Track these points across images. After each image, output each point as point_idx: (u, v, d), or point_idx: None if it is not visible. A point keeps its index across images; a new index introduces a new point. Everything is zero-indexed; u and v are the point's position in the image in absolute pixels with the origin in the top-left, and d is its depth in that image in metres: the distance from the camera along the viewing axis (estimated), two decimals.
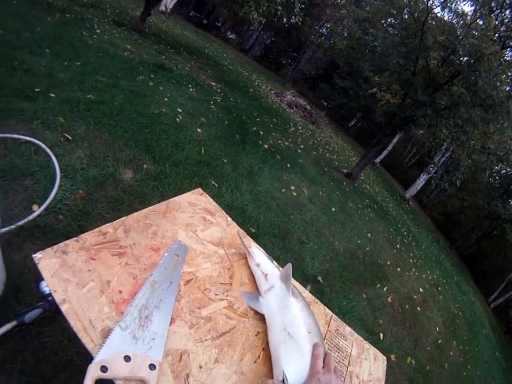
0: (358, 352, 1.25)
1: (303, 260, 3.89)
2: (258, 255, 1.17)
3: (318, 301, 1.29)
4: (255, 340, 0.95)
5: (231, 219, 1.33)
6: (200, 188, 1.37)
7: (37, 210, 2.10)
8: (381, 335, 4.02)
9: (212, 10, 27.07)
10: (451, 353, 5.59)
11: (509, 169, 19.13)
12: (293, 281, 1.20)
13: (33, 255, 0.76)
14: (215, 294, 0.98)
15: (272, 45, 29.28)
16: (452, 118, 7.62)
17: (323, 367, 0.84)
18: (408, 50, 7.80)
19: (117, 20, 8.35)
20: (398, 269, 6.28)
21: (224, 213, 1.33)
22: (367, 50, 10.48)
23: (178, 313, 0.85)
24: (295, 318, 0.95)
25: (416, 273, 7.08)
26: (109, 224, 0.93)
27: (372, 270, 5.24)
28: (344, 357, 1.17)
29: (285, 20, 21.60)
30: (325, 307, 1.29)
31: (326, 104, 26.11)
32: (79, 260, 0.81)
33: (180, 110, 4.88)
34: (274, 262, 1.23)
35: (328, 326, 1.23)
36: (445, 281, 9.34)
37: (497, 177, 22.28)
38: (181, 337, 0.82)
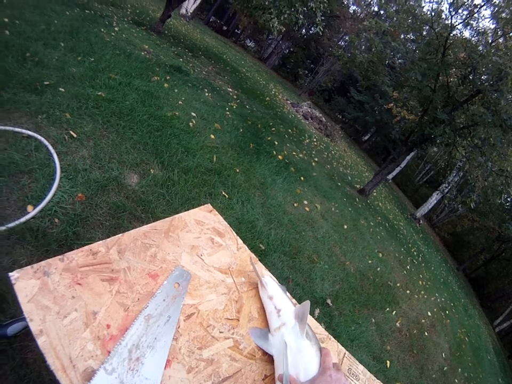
0: None
1: (313, 280, 3.71)
2: (272, 286, 1.04)
3: (332, 337, 1.16)
4: None
5: (242, 242, 1.18)
6: (209, 204, 1.23)
7: (31, 212, 1.97)
8: (388, 362, 3.84)
9: (232, 17, 27.38)
10: (456, 380, 5.42)
11: None
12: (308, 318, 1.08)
13: (10, 274, 0.66)
14: (220, 332, 0.86)
15: (290, 55, 29.43)
16: (470, 137, 7.45)
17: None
18: (429, 66, 7.68)
19: (136, 19, 8.33)
20: (408, 291, 6.09)
21: (235, 234, 1.19)
22: (386, 65, 10.33)
23: (175, 355, 0.73)
24: (307, 364, 0.82)
25: (425, 296, 6.90)
26: (101, 242, 0.81)
27: (382, 292, 5.05)
28: None
29: (304, 30, 21.68)
30: (338, 344, 1.16)
31: (341, 117, 26.12)
32: (62, 284, 0.70)
33: (193, 114, 4.77)
34: (288, 293, 1.10)
35: (341, 365, 1.10)
36: (452, 304, 9.15)
37: (509, 199, 22.03)
38: (176, 383, 0.70)
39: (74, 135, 2.77)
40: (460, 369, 5.87)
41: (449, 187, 11.81)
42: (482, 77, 7.25)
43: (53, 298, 0.67)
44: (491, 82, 6.70)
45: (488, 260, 22.28)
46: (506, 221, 18.18)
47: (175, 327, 0.76)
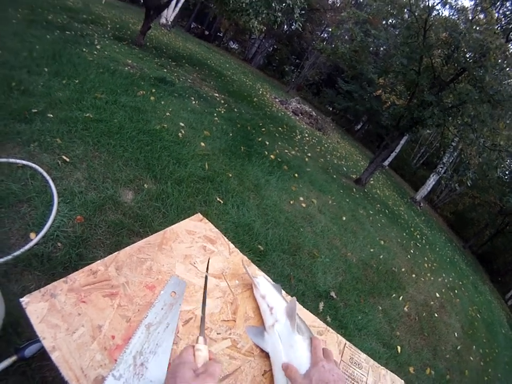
0: (374, 380, 1.16)
1: (314, 275, 3.75)
2: (264, 286, 1.09)
3: (331, 329, 1.20)
4: (262, 380, 0.88)
5: (233, 246, 1.24)
6: (199, 213, 1.28)
7: (34, 239, 2.02)
8: (399, 348, 3.87)
9: (213, 21, 27.35)
10: (471, 358, 5.45)
11: None
12: (304, 312, 1.18)
13: (21, 299, 0.72)
14: (217, 333, 0.90)
15: (274, 52, 29.43)
16: (459, 116, 7.50)
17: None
18: (411, 50, 7.71)
19: (117, 35, 8.37)
20: (413, 275, 6.13)
21: (226, 239, 1.25)
22: (370, 53, 10.37)
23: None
24: (299, 358, 0.86)
25: (432, 278, 6.92)
26: (99, 261, 0.88)
27: (387, 279, 5.09)
28: None
29: (285, 27, 21.69)
30: (338, 335, 1.20)
31: (331, 109, 26.11)
32: (68, 303, 0.76)
33: (182, 124, 4.81)
34: (283, 292, 1.15)
35: (342, 356, 1.15)
36: (460, 283, 9.18)
37: (507, 173, 22.11)
38: None
39: (67, 159, 2.82)
40: (474, 347, 5.91)
41: (445, 167, 11.82)
42: (466, 55, 7.26)
43: (61, 317, 0.73)
44: (475, 59, 6.74)
45: (493, 234, 22.30)
46: (506, 194, 18.26)
47: (174, 333, 0.81)
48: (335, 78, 22.36)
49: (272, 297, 1.05)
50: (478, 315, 8.09)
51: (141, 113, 4.37)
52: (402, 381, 1.28)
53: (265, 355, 0.92)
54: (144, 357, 0.73)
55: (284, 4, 7.59)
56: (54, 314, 0.73)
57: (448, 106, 7.50)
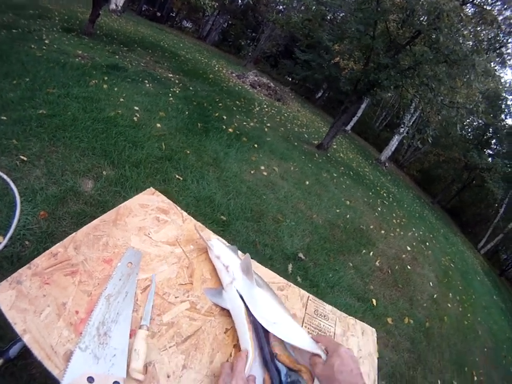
0: (342, 330, 1.20)
1: (281, 239, 3.77)
2: (218, 247, 1.12)
3: (292, 284, 1.24)
4: (224, 337, 0.91)
5: (186, 214, 1.27)
6: (151, 187, 1.30)
7: (2, 242, 1.99)
8: (374, 300, 3.96)
9: (165, 1, 26.54)
10: (449, 305, 5.65)
11: (480, 121, 19.57)
12: (262, 269, 1.22)
13: None
14: (175, 297, 0.93)
15: (229, 28, 29.01)
16: (416, 77, 7.55)
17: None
18: (365, 16, 7.67)
19: (66, 26, 8.01)
20: (382, 232, 6.25)
21: (179, 208, 1.27)
22: (325, 20, 10.27)
23: (137, 324, 0.81)
24: (265, 308, 0.92)
25: (402, 233, 7.08)
26: (59, 243, 0.90)
27: (355, 237, 5.17)
28: None
29: (239, 1, 21.31)
30: (300, 289, 1.24)
31: (290, 79, 26.04)
32: (33, 287, 0.79)
33: (136, 108, 4.72)
34: (239, 252, 1.18)
35: (306, 309, 1.18)
36: (431, 235, 9.43)
37: (469, 130, 22.81)
38: None
39: (25, 159, 2.75)
40: (450, 294, 6.12)
41: (406, 127, 12.04)
42: (421, 18, 7.34)
43: (28, 301, 0.76)
44: (429, 22, 6.77)
45: (460, 189, 23.05)
46: (470, 149, 18.87)
47: (133, 301, 0.85)
48: (292, 49, 22.21)
49: (227, 257, 1.07)
50: (452, 264, 8.39)
51: (94, 102, 4.26)
52: (373, 329, 1.30)
53: (226, 313, 0.94)
54: (107, 326, 0.77)
55: None
56: (22, 300, 0.75)
57: (404, 68, 7.56)
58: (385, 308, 4.05)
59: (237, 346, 0.89)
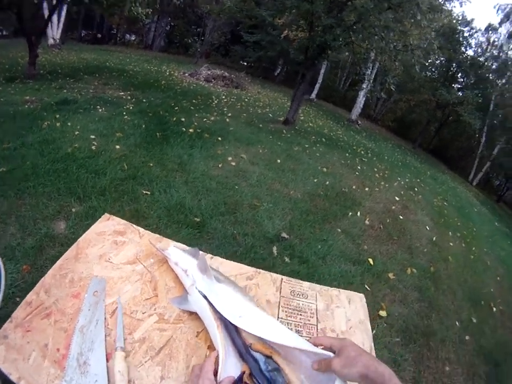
0: (325, 304, 1.19)
1: (260, 224, 3.72)
2: (175, 254, 1.14)
3: (261, 270, 1.24)
4: (197, 341, 0.93)
5: (143, 230, 1.30)
6: (106, 214, 1.33)
7: None
8: (371, 260, 3.93)
9: (102, 21, 26.02)
10: (451, 244, 5.64)
11: (441, 58, 19.69)
12: (227, 263, 1.23)
13: None
14: (143, 313, 0.96)
15: (173, 30, 28.59)
16: (364, 30, 7.52)
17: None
18: None
19: (8, 76, 7.87)
20: (366, 189, 6.22)
21: (135, 226, 1.30)
22: None
23: (112, 347, 0.85)
24: (230, 301, 0.93)
25: (387, 185, 7.08)
26: (31, 291, 0.95)
27: (339, 201, 5.14)
28: (310, 316, 1.12)
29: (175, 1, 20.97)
30: (272, 274, 1.24)
31: (245, 64, 25.85)
32: (17, 338, 0.85)
33: (93, 137, 4.65)
34: (201, 253, 1.18)
35: (280, 292, 1.18)
36: (419, 180, 9.46)
37: (433, 69, 22.90)
38: None
39: None
40: (450, 233, 6.13)
41: (368, 81, 11.98)
42: None
43: (16, 351, 0.82)
44: None
45: (438, 128, 23.23)
46: (438, 88, 18.95)
47: (104, 326, 0.88)
48: (240, 34, 22.04)
49: (185, 261, 1.08)
50: (445, 203, 8.41)
51: (50, 144, 4.19)
52: (361, 295, 1.29)
53: (195, 317, 0.96)
54: (85, 355, 0.81)
55: None
56: (11, 352, 0.81)
57: (350, 24, 7.50)
58: (384, 264, 4.01)
59: (211, 347, 0.90)
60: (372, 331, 2.89)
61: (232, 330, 0.87)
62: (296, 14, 8.87)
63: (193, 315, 0.96)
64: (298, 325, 1.07)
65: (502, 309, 4.60)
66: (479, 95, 19.41)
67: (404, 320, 3.25)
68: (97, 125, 5.16)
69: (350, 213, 4.87)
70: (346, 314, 1.16)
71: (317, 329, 1.07)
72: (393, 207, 5.89)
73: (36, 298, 0.94)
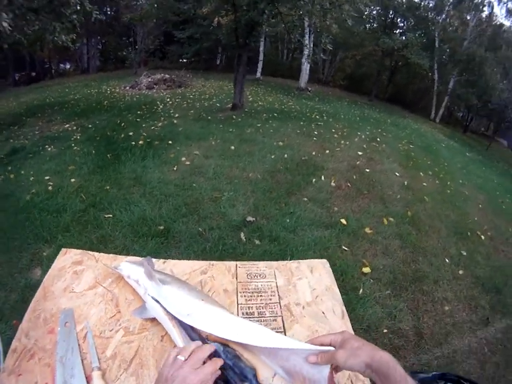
0: (285, 279, 1.18)
1: (224, 214, 3.74)
2: (126, 268, 1.16)
3: (214, 262, 1.25)
4: (163, 344, 0.95)
5: (98, 254, 1.30)
6: (63, 249, 1.33)
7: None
8: (343, 220, 3.96)
9: (33, 59, 25.25)
10: (424, 184, 5.71)
11: (377, 7, 19.81)
12: (180, 264, 1.24)
13: None
14: (110, 331, 0.99)
15: (104, 47, 28.03)
16: None
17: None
18: None
19: None
20: (327, 151, 6.26)
21: (90, 252, 1.31)
22: None
23: (89, 369, 0.88)
24: (178, 300, 0.96)
25: (347, 143, 7.11)
26: (14, 339, 0.98)
27: (300, 171, 5.16)
28: (271, 295, 1.11)
29: (94, 18, 20.45)
30: (225, 262, 1.25)
31: (185, 60, 25.60)
32: None
33: (47, 177, 4.59)
34: (152, 260, 1.21)
35: (237, 278, 1.18)
36: (379, 130, 9.53)
37: (371, 20, 23.01)
38: None
39: None
40: (421, 173, 6.21)
41: (307, 47, 11.95)
42: None
43: None
44: None
45: (390, 76, 23.34)
46: (380, 37, 19.03)
47: (79, 352, 0.91)
48: (172, 33, 21.79)
49: (135, 272, 1.11)
50: (411, 146, 8.50)
51: (8, 197, 4.16)
52: (324, 260, 1.28)
53: (157, 322, 0.98)
54: (69, 383, 0.84)
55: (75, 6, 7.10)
56: None
57: None
58: (358, 221, 4.05)
59: (176, 347, 0.89)
60: (359, 290, 2.92)
61: (187, 327, 0.90)
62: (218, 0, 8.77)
63: (155, 321, 0.98)
64: (260, 306, 1.06)
65: (491, 234, 4.68)
66: (422, 35, 19.63)
67: (391, 271, 3.28)
68: (50, 165, 5.10)
69: (314, 180, 4.89)
70: (310, 284, 1.16)
71: (280, 306, 1.07)
72: (358, 162, 5.93)
73: (19, 344, 0.96)
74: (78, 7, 7.05)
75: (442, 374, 1.12)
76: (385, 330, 2.61)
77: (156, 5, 9.30)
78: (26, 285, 2.72)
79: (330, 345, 0.78)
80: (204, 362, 0.74)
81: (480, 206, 5.74)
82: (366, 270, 3.19)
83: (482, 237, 4.49)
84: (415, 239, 3.92)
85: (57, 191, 4.19)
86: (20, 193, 4.24)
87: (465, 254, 3.94)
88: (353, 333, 0.93)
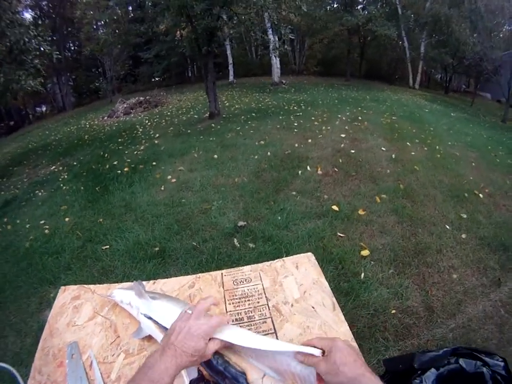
0: (271, 280, 1.19)
1: (215, 224, 3.76)
2: (118, 294, 1.19)
3: (201, 274, 1.27)
4: None
5: (94, 286, 1.34)
6: (62, 286, 1.37)
7: None
8: (335, 207, 3.94)
9: (8, 108, 25.28)
10: (412, 153, 5.71)
11: None
12: (170, 282, 1.25)
13: None
14: (112, 355, 1.01)
15: (76, 82, 28.16)
16: None
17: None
18: None
19: None
20: (309, 140, 6.27)
21: (86, 286, 1.34)
22: (128, 14, 10.00)
23: None
24: (166, 314, 0.98)
25: (329, 128, 7.13)
26: (29, 378, 1.00)
27: (285, 165, 5.18)
28: (259, 298, 1.11)
29: (54, 59, 20.48)
30: (211, 273, 1.27)
31: (157, 79, 25.72)
32: None
33: (42, 222, 4.66)
34: (142, 284, 1.18)
35: (223, 286, 1.19)
36: (359, 108, 9.55)
37: (330, 2, 23.12)
38: None
39: None
40: (408, 143, 6.22)
41: (274, 43, 11.96)
42: None
43: None
44: None
45: (361, 53, 23.45)
46: (342, 16, 19.03)
47: (87, 380, 0.95)
48: (138, 55, 21.91)
49: (127, 296, 1.13)
50: (394, 117, 8.52)
51: (8, 248, 4.22)
52: (309, 253, 1.27)
53: (154, 340, 1.00)
54: None
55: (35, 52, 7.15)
56: None
57: None
58: (350, 205, 4.04)
59: None
60: (361, 275, 2.89)
61: None
62: (172, 13, 8.77)
63: (152, 339, 1.01)
64: (248, 311, 1.07)
65: (489, 191, 4.66)
66: (384, 5, 19.62)
67: (391, 249, 3.24)
68: (43, 209, 5.17)
69: (300, 172, 4.91)
70: (297, 281, 1.16)
71: (269, 307, 1.07)
72: (342, 145, 5.94)
73: (34, 381, 1.00)
74: (37, 52, 7.11)
75: (454, 349, 1.06)
76: (393, 311, 2.54)
77: (111, 32, 9.30)
78: (39, 328, 2.69)
79: (321, 349, 0.77)
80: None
81: (473, 164, 5.73)
82: (365, 252, 3.15)
83: (481, 195, 4.46)
84: (411, 212, 3.89)
85: (54, 232, 4.24)
86: (18, 242, 4.30)
87: (465, 216, 3.89)
88: (347, 327, 0.94)
